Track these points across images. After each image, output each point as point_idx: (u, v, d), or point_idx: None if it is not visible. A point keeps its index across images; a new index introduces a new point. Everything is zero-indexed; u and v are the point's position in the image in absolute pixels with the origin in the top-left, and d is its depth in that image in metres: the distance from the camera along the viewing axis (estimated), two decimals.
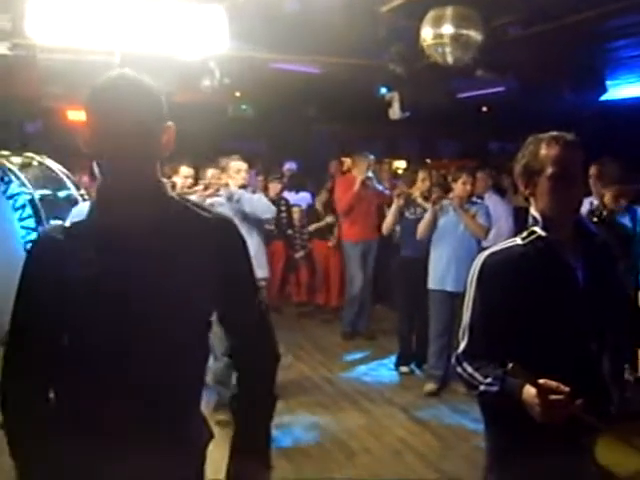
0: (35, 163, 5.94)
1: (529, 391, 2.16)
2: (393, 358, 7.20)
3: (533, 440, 2.24)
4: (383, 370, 7.15)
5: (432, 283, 6.38)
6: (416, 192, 6.94)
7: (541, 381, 2.13)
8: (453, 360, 2.46)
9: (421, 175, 7.06)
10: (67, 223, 1.95)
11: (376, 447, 5.28)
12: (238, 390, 2.14)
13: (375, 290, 8.58)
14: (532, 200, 2.45)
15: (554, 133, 2.41)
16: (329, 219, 9.21)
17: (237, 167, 5.97)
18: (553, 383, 2.13)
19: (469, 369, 2.37)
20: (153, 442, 1.85)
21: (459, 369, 2.41)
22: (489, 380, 2.28)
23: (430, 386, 6.37)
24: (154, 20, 6.33)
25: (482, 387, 2.30)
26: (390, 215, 7.15)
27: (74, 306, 1.85)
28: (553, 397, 2.11)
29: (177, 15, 6.41)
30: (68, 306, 1.85)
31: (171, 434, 1.90)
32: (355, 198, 8.07)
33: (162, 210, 1.93)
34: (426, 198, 6.72)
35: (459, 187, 6.26)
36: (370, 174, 8.22)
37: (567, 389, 2.12)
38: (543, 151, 2.39)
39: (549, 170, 2.36)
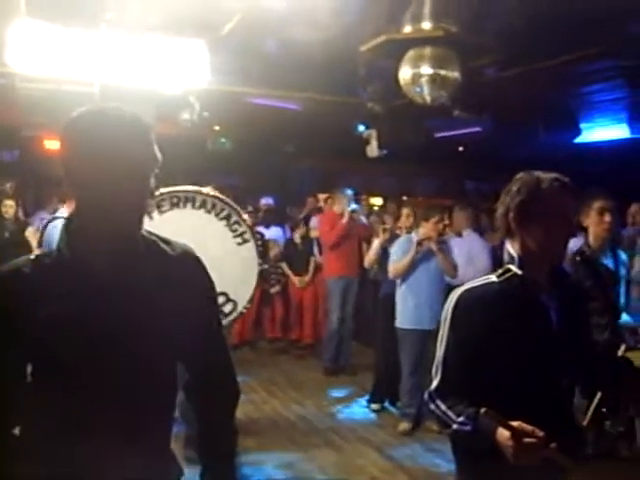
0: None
1: (502, 433, 2.15)
2: (367, 395, 7.16)
3: None
4: (357, 408, 7.11)
5: (402, 322, 6.35)
6: (401, 228, 6.95)
7: (515, 424, 2.13)
8: (426, 397, 2.45)
9: (405, 211, 7.06)
10: (32, 256, 1.90)
11: None
12: (199, 427, 2.11)
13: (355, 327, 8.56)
14: (515, 237, 2.45)
15: (553, 174, 2.43)
16: (318, 258, 9.16)
17: None
18: (527, 427, 2.13)
19: (442, 407, 2.36)
20: (125, 476, 1.82)
21: (432, 406, 2.40)
22: (462, 419, 2.27)
23: (404, 425, 6.34)
24: (135, 52, 6.34)
25: (455, 426, 2.29)
26: (373, 250, 7.14)
27: (41, 342, 1.80)
28: (527, 440, 2.11)
29: (158, 48, 6.44)
30: (35, 342, 1.80)
31: (145, 470, 1.86)
32: (343, 233, 8.07)
33: (134, 249, 1.89)
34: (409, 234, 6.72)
35: (431, 226, 6.27)
36: (356, 206, 8.26)
37: (541, 433, 2.12)
38: (544, 191, 2.39)
39: (548, 211, 2.37)
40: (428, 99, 5.50)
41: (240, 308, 4.82)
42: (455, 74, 5.36)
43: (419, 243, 6.28)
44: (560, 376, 2.46)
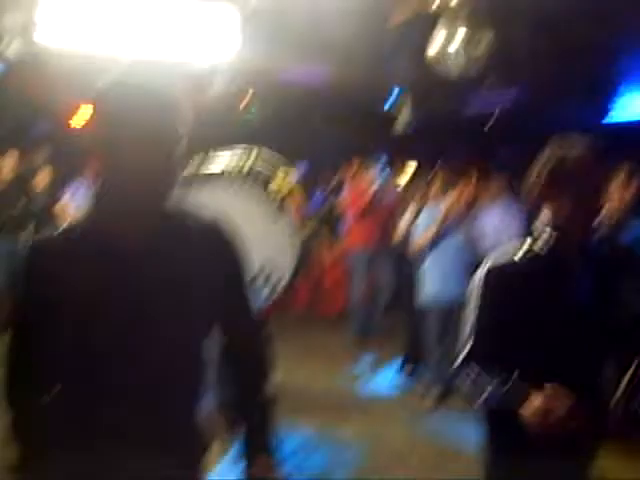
0: None
1: (532, 401, 2.16)
2: (397, 364, 7.18)
3: (532, 452, 2.25)
4: (385, 378, 7.12)
5: (427, 295, 6.31)
6: (430, 198, 6.75)
7: (551, 385, 2.14)
8: (457, 364, 2.45)
9: (437, 182, 6.85)
10: (60, 230, 1.92)
11: (377, 457, 5.27)
12: (235, 394, 2.13)
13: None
14: (548, 205, 2.43)
15: (584, 141, 2.41)
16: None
17: None
18: (562, 390, 2.14)
19: (475, 370, 2.37)
20: (151, 447, 1.86)
21: (464, 372, 2.41)
22: (492, 386, 2.28)
23: (429, 400, 6.33)
24: (164, 23, 6.33)
25: (485, 393, 2.30)
26: (403, 223, 6.95)
27: (75, 316, 1.82)
28: (556, 410, 2.11)
29: (191, 15, 6.40)
30: (69, 315, 1.82)
31: (171, 439, 1.90)
32: (368, 203, 7.98)
33: (162, 222, 1.89)
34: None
35: (457, 194, 6.18)
36: (386, 175, 8.11)
37: (572, 400, 2.12)
38: (574, 161, 2.37)
39: (578, 178, 2.34)
40: (457, 73, 5.45)
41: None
42: (484, 48, 5.31)
43: (444, 219, 6.17)
44: (589, 349, 2.44)
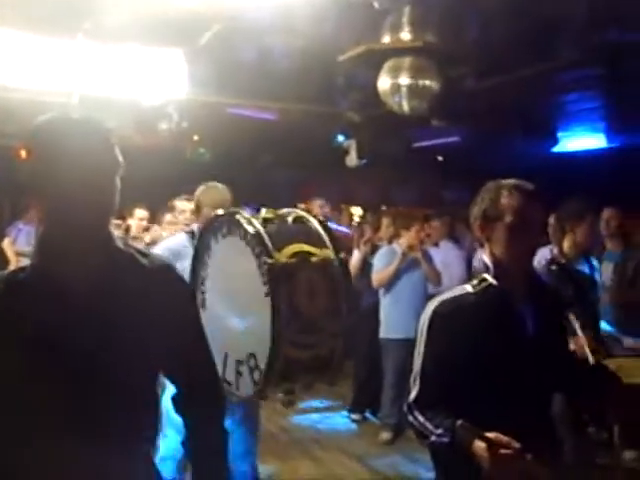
0: None
1: (479, 445, 2.15)
2: (348, 406, 7.14)
3: None
4: (338, 418, 7.09)
5: (386, 332, 6.36)
6: (382, 239, 6.97)
7: (491, 435, 2.12)
8: (405, 409, 2.44)
9: (385, 221, 7.07)
10: (7, 272, 1.89)
11: None
12: (191, 434, 2.08)
13: None
14: (486, 245, 2.46)
15: (515, 181, 2.43)
16: None
17: (182, 207, 5.72)
18: (503, 438, 2.13)
19: (420, 418, 2.35)
20: None
21: (410, 418, 2.39)
22: (440, 431, 2.26)
23: (385, 435, 6.33)
24: (112, 62, 6.33)
25: (433, 438, 2.28)
26: (354, 261, 7.11)
27: (17, 357, 1.77)
28: (503, 451, 2.10)
29: (136, 58, 6.42)
30: (11, 357, 1.77)
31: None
32: None
33: (109, 263, 1.86)
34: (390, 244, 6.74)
35: (413, 235, 6.30)
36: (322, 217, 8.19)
37: (517, 444, 2.11)
38: (504, 199, 2.39)
39: (508, 219, 2.37)
40: (407, 109, 5.52)
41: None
42: (434, 84, 5.39)
43: (404, 253, 6.29)
44: (538, 385, 2.45)
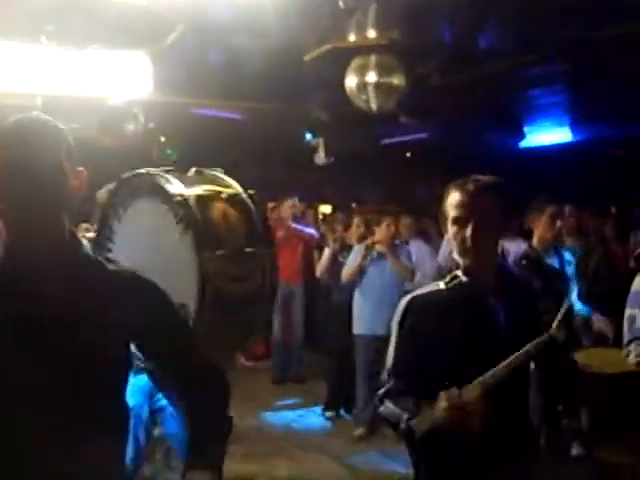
0: None
1: (438, 404, 2.19)
2: (321, 403, 7.14)
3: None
4: (313, 416, 7.08)
5: (358, 328, 6.37)
6: (352, 237, 6.97)
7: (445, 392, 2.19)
8: (376, 400, 2.45)
9: (356, 221, 7.07)
10: None
11: None
12: (192, 429, 2.06)
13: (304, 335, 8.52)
14: (453, 242, 2.48)
15: (466, 178, 2.43)
16: None
17: None
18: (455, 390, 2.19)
19: (390, 405, 2.37)
20: None
21: (381, 408, 2.41)
22: (407, 415, 2.28)
23: (359, 431, 6.34)
24: (76, 64, 6.27)
25: (402, 424, 2.29)
26: (324, 259, 7.16)
27: None
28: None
29: (100, 60, 6.36)
30: None
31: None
32: (281, 241, 8.03)
33: (72, 272, 1.85)
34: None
35: (383, 230, 6.32)
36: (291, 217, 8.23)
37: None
38: (449, 197, 2.42)
39: (450, 215, 2.40)
40: (374, 107, 5.54)
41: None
42: (400, 81, 5.41)
43: (368, 247, 6.32)
44: (510, 379, 2.47)
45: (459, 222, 2.37)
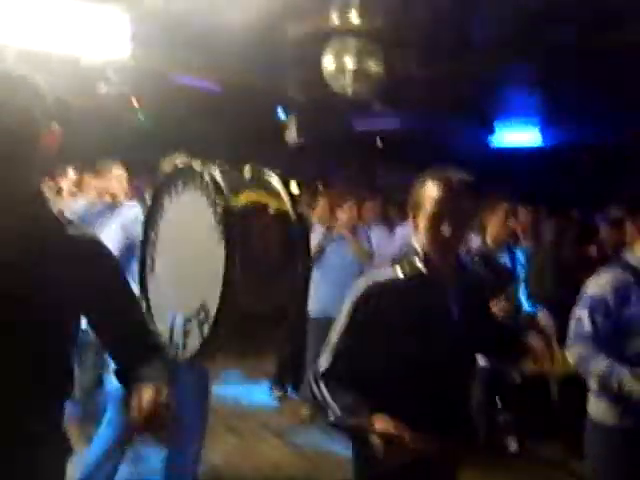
0: None
1: (374, 440, 2.19)
2: (269, 381, 7.17)
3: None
4: (259, 394, 7.10)
5: (313, 307, 6.37)
6: (315, 218, 6.95)
7: (382, 424, 2.17)
8: (310, 377, 2.48)
9: (322, 202, 7.04)
10: None
11: (249, 473, 5.23)
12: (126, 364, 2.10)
13: None
14: (415, 232, 2.51)
15: (443, 173, 2.46)
16: None
17: (117, 173, 5.58)
18: (395, 429, 2.17)
19: (325, 393, 2.39)
20: (10, 455, 1.80)
21: (315, 388, 2.44)
22: (339, 414, 2.30)
23: (305, 411, 6.37)
24: (52, 17, 6.14)
25: (332, 418, 2.33)
26: None
27: None
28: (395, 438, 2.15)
29: (76, 14, 6.24)
30: None
31: (30, 448, 1.84)
32: None
33: (36, 224, 1.86)
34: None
35: (346, 212, 6.34)
36: None
37: (407, 434, 2.15)
38: (426, 190, 2.44)
39: (427, 209, 2.42)
40: (350, 91, 5.54)
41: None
42: (378, 69, 5.42)
43: (329, 228, 6.33)
44: (455, 369, 2.52)
45: (437, 218, 2.40)
